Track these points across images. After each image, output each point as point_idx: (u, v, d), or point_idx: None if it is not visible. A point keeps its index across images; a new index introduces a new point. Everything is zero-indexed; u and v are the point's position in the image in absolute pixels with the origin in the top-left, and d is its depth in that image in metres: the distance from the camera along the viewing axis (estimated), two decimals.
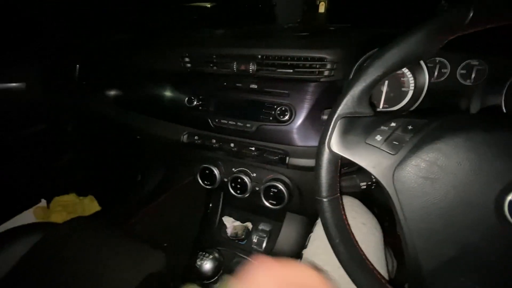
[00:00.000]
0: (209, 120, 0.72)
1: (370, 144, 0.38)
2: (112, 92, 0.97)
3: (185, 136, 0.79)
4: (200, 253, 0.81)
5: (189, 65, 0.78)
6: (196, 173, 0.84)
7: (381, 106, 0.67)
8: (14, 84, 1.03)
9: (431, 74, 0.62)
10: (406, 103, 0.65)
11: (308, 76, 0.64)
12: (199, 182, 0.84)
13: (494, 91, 0.56)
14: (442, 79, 0.62)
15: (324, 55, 0.62)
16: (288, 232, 0.89)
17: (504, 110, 0.54)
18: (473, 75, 0.59)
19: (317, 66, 0.63)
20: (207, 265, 0.80)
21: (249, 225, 0.95)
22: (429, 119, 0.36)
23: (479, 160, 0.32)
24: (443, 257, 0.33)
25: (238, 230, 0.93)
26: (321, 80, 0.64)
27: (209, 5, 1.86)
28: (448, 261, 0.33)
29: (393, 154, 0.36)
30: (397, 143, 0.36)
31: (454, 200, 0.33)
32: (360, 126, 0.39)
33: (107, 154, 1.44)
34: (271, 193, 0.75)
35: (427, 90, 0.62)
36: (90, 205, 1.36)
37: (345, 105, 0.39)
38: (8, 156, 1.05)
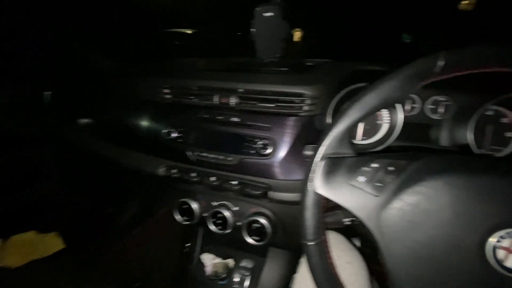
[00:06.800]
0: (188, 153, 0.69)
1: (353, 186, 0.37)
2: (86, 121, 0.92)
3: (163, 169, 0.75)
4: None
5: (169, 96, 0.77)
6: (174, 208, 0.79)
7: (360, 138, 0.69)
8: None
9: (403, 108, 0.65)
10: (383, 136, 0.67)
11: (288, 110, 0.65)
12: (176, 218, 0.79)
13: (462, 124, 0.60)
14: (414, 113, 0.66)
15: (304, 91, 0.64)
16: (271, 269, 0.84)
17: (476, 148, 0.58)
18: (440, 110, 0.63)
19: (297, 101, 0.64)
20: None
21: (231, 262, 0.89)
22: (409, 159, 0.37)
23: (460, 204, 0.32)
24: None
25: (218, 268, 0.87)
26: (301, 114, 0.65)
27: (190, 31, 1.90)
28: None
29: (377, 196, 0.36)
30: (380, 184, 0.36)
31: (439, 244, 0.33)
32: (343, 166, 0.38)
33: (75, 186, 1.34)
34: (254, 228, 0.72)
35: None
36: (52, 243, 1.22)
37: (328, 146, 0.39)
38: None
